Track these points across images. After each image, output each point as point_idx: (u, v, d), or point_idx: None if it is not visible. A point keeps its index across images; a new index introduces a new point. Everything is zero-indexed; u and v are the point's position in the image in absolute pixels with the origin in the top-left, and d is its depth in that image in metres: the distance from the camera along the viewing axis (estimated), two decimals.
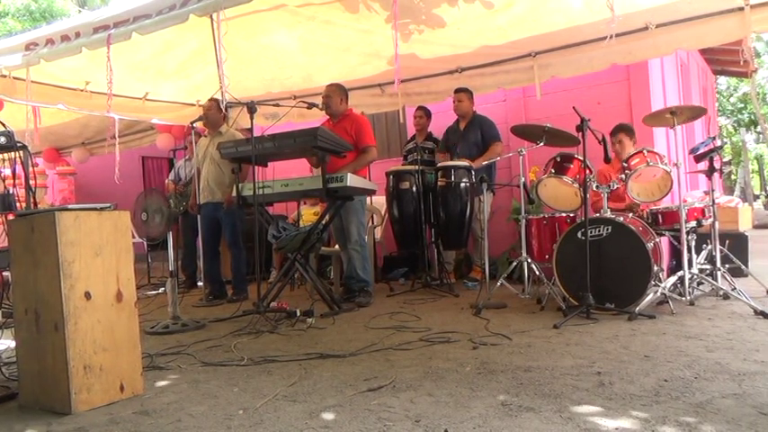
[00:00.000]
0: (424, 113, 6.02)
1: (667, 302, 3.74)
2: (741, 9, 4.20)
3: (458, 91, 5.50)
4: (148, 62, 5.35)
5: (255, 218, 4.52)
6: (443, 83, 5.84)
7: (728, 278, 4.07)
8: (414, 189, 5.21)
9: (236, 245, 5.30)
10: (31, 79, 4.68)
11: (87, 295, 2.42)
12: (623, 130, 4.62)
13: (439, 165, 5.32)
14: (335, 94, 4.81)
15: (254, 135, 4.15)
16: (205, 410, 2.31)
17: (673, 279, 3.89)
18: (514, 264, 4.36)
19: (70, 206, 2.82)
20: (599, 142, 3.80)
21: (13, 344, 2.68)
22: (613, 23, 3.33)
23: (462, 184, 5.09)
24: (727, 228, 5.37)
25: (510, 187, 5.31)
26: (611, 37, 3.54)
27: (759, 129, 19.50)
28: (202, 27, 4.68)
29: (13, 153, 2.87)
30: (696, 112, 3.99)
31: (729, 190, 20.72)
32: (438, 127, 5.93)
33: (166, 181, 6.71)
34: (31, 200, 2.89)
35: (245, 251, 5.40)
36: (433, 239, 5.39)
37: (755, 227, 10.89)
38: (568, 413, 2.04)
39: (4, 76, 4.74)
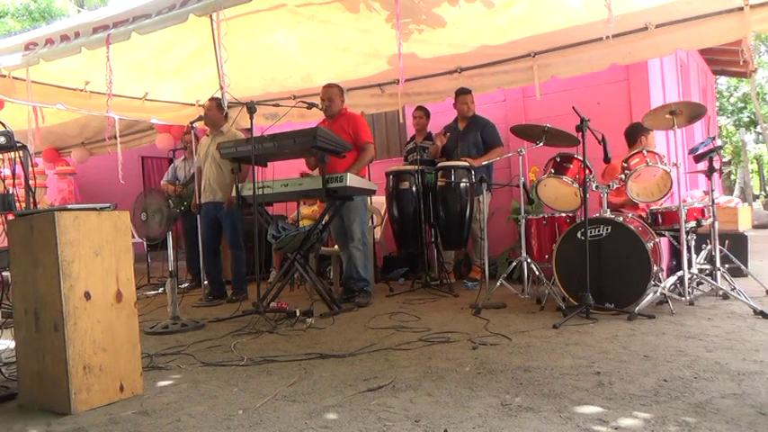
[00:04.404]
0: (423, 113, 5.99)
1: (667, 302, 3.75)
2: (741, 9, 4.20)
3: (466, 93, 5.46)
4: (148, 62, 5.35)
5: (255, 218, 4.52)
6: (443, 83, 5.83)
7: (728, 278, 4.08)
8: (413, 189, 5.21)
9: (237, 245, 5.30)
10: (31, 79, 4.68)
11: (87, 295, 2.42)
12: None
13: (439, 165, 5.32)
14: (337, 96, 4.81)
15: (254, 135, 4.15)
16: (205, 410, 2.31)
17: (672, 279, 3.89)
18: (514, 264, 4.36)
19: (70, 206, 2.81)
20: (599, 142, 3.81)
21: (12, 344, 2.67)
22: (610, 23, 3.32)
23: (462, 184, 5.10)
24: (726, 228, 5.37)
25: (510, 187, 5.31)
26: (607, 37, 3.54)
27: (759, 129, 19.49)
28: (202, 27, 4.68)
29: (12, 153, 2.86)
30: (697, 111, 3.98)
31: (729, 190, 20.74)
32: (437, 127, 5.92)
33: (162, 182, 6.63)
34: (31, 200, 2.88)
35: (246, 251, 5.41)
36: (432, 239, 5.39)
37: (755, 227, 10.89)
38: (568, 413, 2.04)
39: (4, 76, 4.74)
